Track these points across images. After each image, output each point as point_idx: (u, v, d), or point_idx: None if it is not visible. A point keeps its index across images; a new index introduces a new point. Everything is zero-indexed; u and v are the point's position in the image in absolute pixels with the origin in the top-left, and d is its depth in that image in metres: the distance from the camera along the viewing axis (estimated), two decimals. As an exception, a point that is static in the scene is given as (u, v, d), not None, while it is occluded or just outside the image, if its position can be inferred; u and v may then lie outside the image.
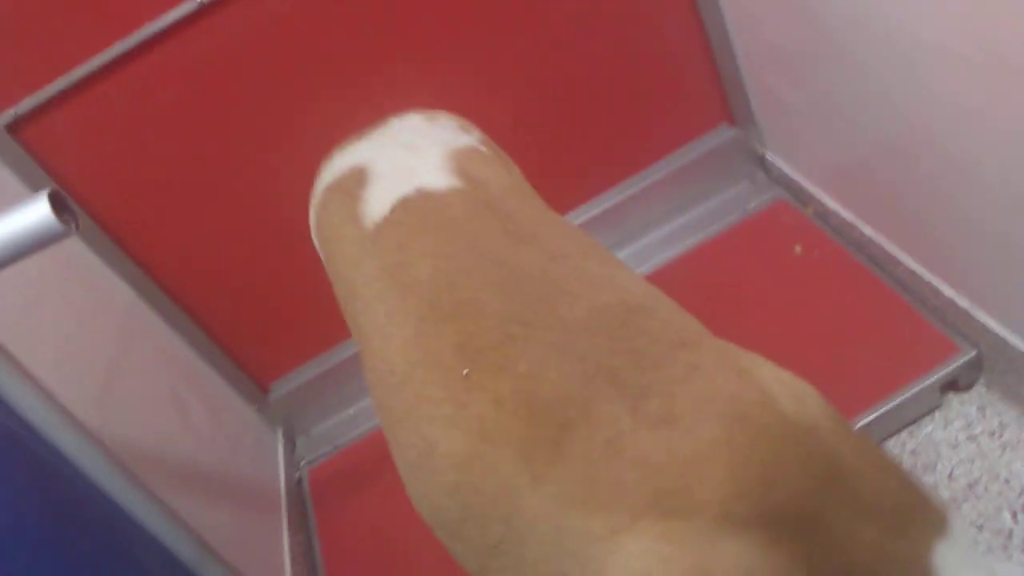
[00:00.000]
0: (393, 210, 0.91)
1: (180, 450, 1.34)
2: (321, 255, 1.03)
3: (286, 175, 1.49)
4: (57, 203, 0.75)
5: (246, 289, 1.61)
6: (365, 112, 1.45)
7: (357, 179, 0.97)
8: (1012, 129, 0.97)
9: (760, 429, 0.64)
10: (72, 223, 0.76)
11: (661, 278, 1.66)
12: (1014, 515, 1.16)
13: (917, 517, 0.65)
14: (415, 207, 0.90)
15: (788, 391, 0.67)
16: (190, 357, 1.57)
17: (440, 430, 0.74)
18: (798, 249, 1.54)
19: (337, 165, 1.03)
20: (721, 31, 1.52)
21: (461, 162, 0.95)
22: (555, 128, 1.61)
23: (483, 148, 1.01)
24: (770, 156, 1.67)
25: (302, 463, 1.75)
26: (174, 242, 1.50)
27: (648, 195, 1.71)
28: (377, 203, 0.93)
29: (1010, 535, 1.14)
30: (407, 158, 0.98)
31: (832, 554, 0.61)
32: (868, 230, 1.44)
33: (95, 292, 1.38)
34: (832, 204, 1.52)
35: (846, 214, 1.49)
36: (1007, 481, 1.20)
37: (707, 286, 1.60)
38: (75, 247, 1.39)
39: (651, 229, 1.75)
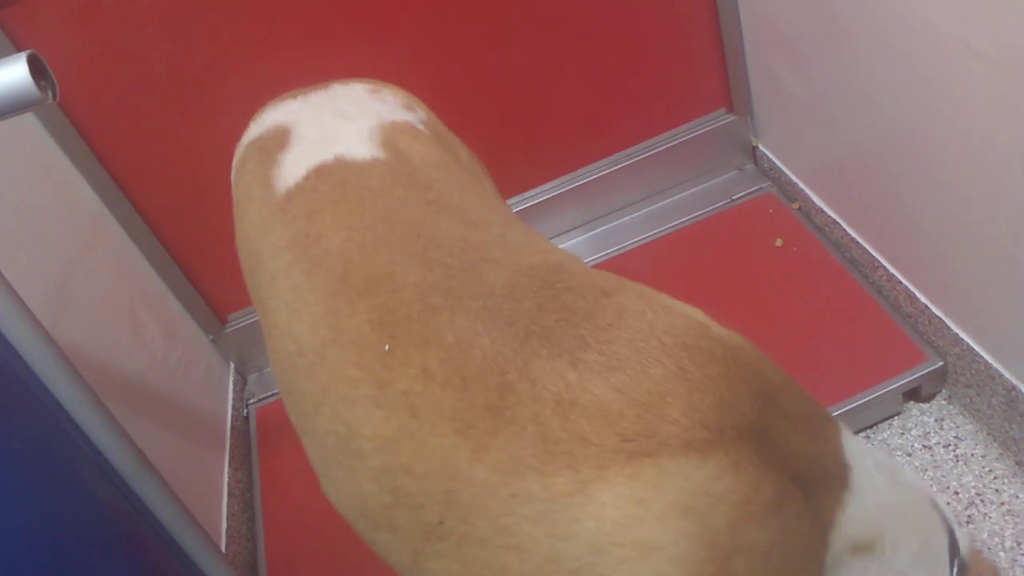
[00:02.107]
0: (307, 177, 0.84)
1: (130, 365, 1.30)
2: (234, 215, 0.98)
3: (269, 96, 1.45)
4: (35, 67, 0.71)
5: (216, 214, 1.56)
6: (346, 57, 1.43)
7: (278, 139, 0.92)
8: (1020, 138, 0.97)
9: (706, 355, 0.64)
10: (49, 91, 0.73)
11: (641, 256, 1.66)
12: (960, 526, 1.17)
13: (823, 420, 0.69)
14: (331, 175, 0.84)
15: (706, 318, 0.69)
16: (151, 276, 1.52)
17: (362, 411, 0.70)
18: (779, 242, 1.54)
19: (265, 120, 0.97)
20: (733, 13, 1.51)
21: (390, 135, 0.90)
22: (552, 94, 1.59)
23: (421, 127, 0.95)
24: (762, 147, 1.67)
25: (251, 401, 1.72)
26: (148, 156, 1.45)
27: (636, 171, 1.69)
28: (292, 167, 0.87)
29: (953, 545, 1.15)
30: (335, 125, 0.91)
31: (777, 468, 0.62)
32: (850, 231, 1.45)
33: (60, 191, 1.33)
34: (817, 202, 1.53)
35: (830, 213, 1.49)
36: (956, 493, 1.22)
37: (685, 268, 1.59)
38: (44, 141, 1.34)
39: (636, 206, 1.74)
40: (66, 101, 1.35)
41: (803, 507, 0.63)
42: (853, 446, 0.69)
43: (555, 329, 0.67)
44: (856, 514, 0.66)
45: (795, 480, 0.63)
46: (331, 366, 0.73)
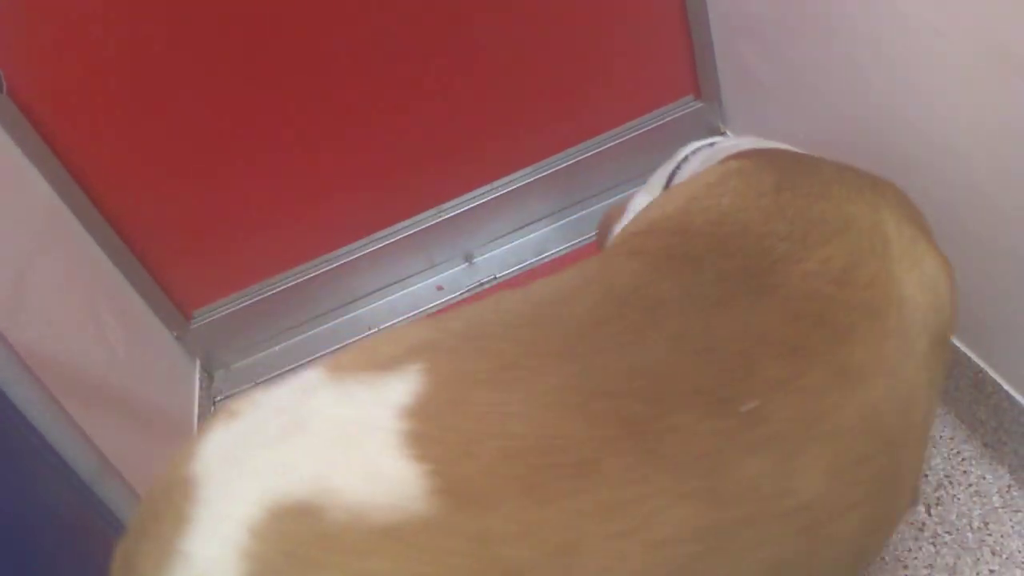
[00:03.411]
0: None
1: (90, 365, 1.26)
2: None
3: (236, 90, 1.42)
4: (-23, 58, 0.68)
5: (178, 208, 1.53)
6: (321, 50, 1.40)
7: None
8: (994, 125, 0.97)
9: None
10: (-7, 83, 0.69)
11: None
12: (928, 509, 1.18)
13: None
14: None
15: None
16: (111, 271, 1.49)
17: None
18: None
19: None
20: (700, -1, 1.51)
21: None
22: (516, 83, 1.58)
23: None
24: (731, 134, 1.67)
25: (219, 398, 1.69)
26: (104, 146, 1.41)
27: (604, 160, 1.69)
28: None
29: (922, 527, 1.16)
30: None
31: None
32: (819, 218, 1.45)
33: (12, 185, 1.29)
34: (786, 189, 1.52)
35: (799, 200, 1.49)
36: (925, 475, 1.23)
37: None
38: (-5, 135, 1.29)
39: (604, 194, 1.73)
40: (16, 90, 1.30)
41: None
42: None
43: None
44: None
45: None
46: None
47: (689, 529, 0.57)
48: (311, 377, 0.66)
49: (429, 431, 0.58)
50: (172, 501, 0.60)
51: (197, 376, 1.68)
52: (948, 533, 1.15)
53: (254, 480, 0.58)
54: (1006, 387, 1.14)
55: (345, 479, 0.56)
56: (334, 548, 0.54)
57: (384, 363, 0.64)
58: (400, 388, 0.61)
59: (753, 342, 0.63)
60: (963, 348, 1.19)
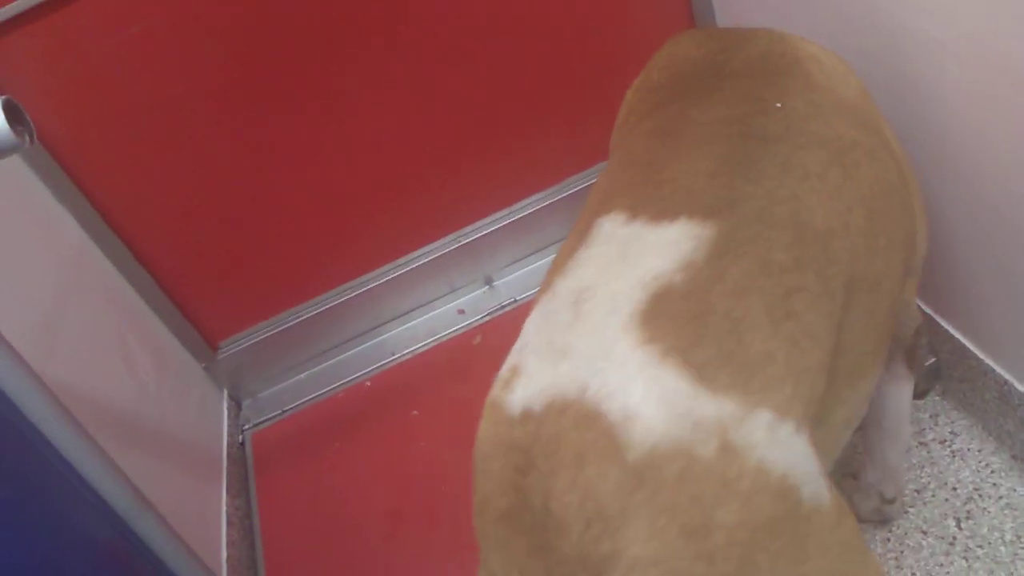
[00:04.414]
0: None
1: (122, 399, 1.29)
2: None
3: (256, 123, 1.45)
4: (11, 113, 0.71)
5: (203, 242, 1.56)
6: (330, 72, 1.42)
7: None
8: (986, 129, 0.97)
9: None
10: (26, 135, 0.72)
11: None
12: (958, 522, 1.17)
13: None
14: None
15: None
16: (140, 307, 1.52)
17: None
18: None
19: None
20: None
21: None
22: (529, 107, 1.59)
23: None
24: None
25: (246, 426, 1.71)
26: (131, 185, 1.44)
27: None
28: None
29: (953, 541, 1.16)
30: None
31: None
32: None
33: (44, 227, 1.32)
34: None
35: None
36: (954, 489, 1.22)
37: None
38: (26, 178, 1.33)
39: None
40: (47, 136, 1.34)
41: None
42: None
43: None
44: None
45: None
46: None
47: None
48: None
49: None
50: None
51: (225, 406, 1.70)
52: (980, 547, 1.14)
53: None
54: (1033, 398, 1.14)
55: None
56: None
57: None
58: None
59: (748, 105, 0.85)
60: (988, 361, 1.19)
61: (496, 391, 0.71)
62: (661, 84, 0.99)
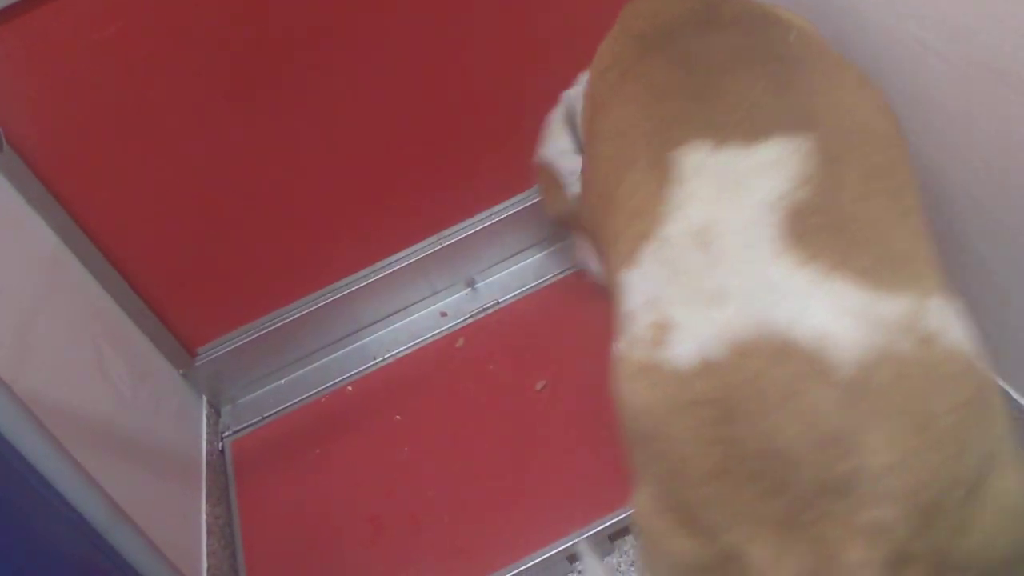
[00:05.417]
0: None
1: (97, 408, 1.26)
2: None
3: (232, 124, 1.43)
4: (-22, 119, 0.69)
5: (179, 246, 1.53)
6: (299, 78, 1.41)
7: None
8: (982, 137, 0.97)
9: None
10: (-6, 142, 0.70)
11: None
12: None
13: None
14: None
15: None
16: (115, 313, 1.49)
17: None
18: None
19: None
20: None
21: None
22: (511, 106, 1.58)
23: None
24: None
25: (226, 433, 1.69)
26: (105, 189, 1.42)
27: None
28: None
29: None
30: None
31: None
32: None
33: (15, 233, 1.29)
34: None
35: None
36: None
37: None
38: (-4, 184, 1.30)
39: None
40: (17, 140, 1.31)
41: None
42: None
43: None
44: None
45: None
46: None
47: None
48: None
49: None
50: None
51: (204, 412, 1.68)
52: None
53: None
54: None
55: None
56: None
57: None
58: None
59: (761, 36, 0.86)
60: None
61: (643, 352, 0.69)
62: (646, 33, 0.96)
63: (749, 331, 0.64)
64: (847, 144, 0.72)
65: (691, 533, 0.67)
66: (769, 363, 0.62)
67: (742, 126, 0.74)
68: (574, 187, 1.31)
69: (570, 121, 1.35)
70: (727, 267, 0.67)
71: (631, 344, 0.70)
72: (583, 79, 1.27)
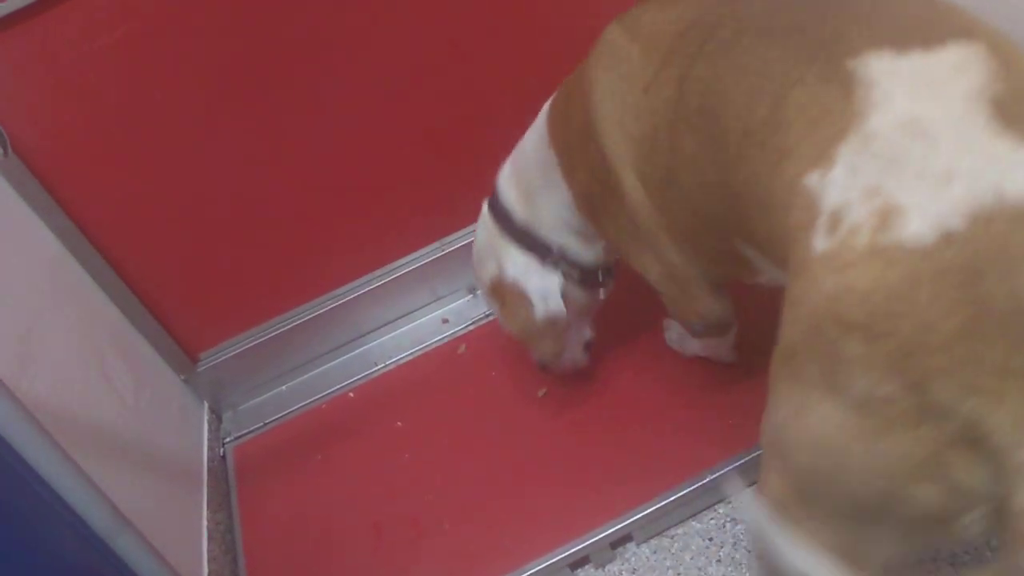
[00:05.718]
0: None
1: (100, 414, 1.26)
2: None
3: (235, 129, 1.43)
4: (-16, 125, 0.69)
5: (182, 252, 1.54)
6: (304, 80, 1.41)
7: None
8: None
9: None
10: (0, 147, 0.70)
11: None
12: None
13: None
14: None
15: None
16: (118, 319, 1.49)
17: None
18: None
19: None
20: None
21: None
22: (512, 115, 1.58)
23: None
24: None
25: (227, 439, 1.69)
26: (108, 195, 1.42)
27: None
28: None
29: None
30: None
31: None
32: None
33: (18, 239, 1.29)
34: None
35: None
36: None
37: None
38: (0, 189, 1.30)
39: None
40: (21, 146, 1.31)
41: None
42: None
43: None
44: None
45: None
46: None
47: None
48: None
49: None
50: None
51: (205, 418, 1.68)
52: None
53: None
54: None
55: None
56: None
57: None
58: None
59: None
60: None
61: (866, 238, 0.72)
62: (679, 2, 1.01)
63: (985, 202, 0.68)
64: (1007, 46, 0.77)
65: (920, 421, 0.68)
66: (1011, 228, 0.67)
67: (920, 33, 0.78)
68: (545, 306, 1.28)
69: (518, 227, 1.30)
70: (949, 150, 0.71)
71: (850, 234, 0.73)
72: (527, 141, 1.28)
